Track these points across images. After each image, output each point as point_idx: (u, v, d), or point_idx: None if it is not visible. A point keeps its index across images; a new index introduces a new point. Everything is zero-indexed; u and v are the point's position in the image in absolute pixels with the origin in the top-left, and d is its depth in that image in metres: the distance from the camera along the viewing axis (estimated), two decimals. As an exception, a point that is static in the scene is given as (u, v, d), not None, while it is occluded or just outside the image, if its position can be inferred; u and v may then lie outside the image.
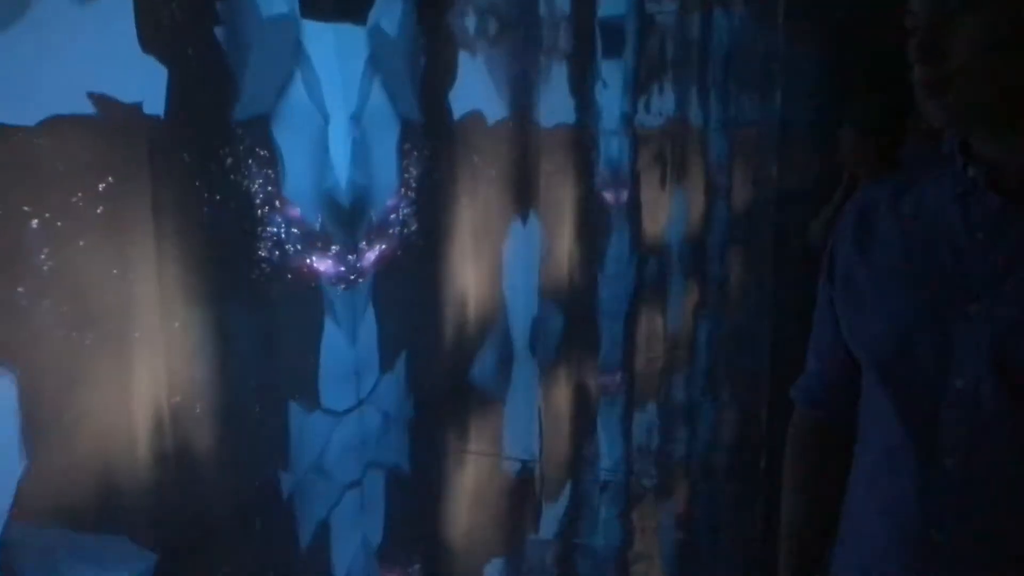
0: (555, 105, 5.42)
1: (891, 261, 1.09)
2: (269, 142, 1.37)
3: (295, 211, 1.45)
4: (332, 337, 1.63)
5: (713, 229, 8.78)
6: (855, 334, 1.14)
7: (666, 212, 7.80)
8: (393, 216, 1.91)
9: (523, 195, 4.91)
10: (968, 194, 1.03)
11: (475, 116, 3.25)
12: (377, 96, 1.77)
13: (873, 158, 2.86)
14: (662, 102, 7.29)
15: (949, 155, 1.06)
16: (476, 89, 2.80)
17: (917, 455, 1.03)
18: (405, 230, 1.98)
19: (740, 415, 5.02)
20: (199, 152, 1.24)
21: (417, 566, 2.91)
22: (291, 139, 1.43)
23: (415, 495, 2.22)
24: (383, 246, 1.86)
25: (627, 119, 6.48)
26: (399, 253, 1.91)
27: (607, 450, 4.49)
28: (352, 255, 1.69)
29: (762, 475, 3.96)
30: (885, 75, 2.14)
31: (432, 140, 2.02)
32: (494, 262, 4.98)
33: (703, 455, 4.48)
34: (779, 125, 7.13)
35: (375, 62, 1.72)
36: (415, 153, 1.96)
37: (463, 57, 2.33)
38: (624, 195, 7.04)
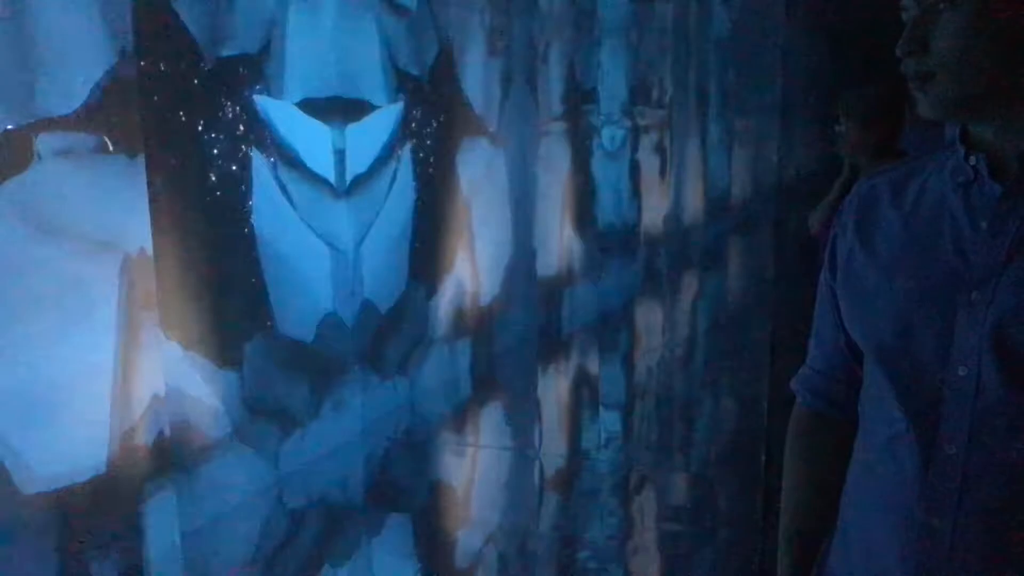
0: (554, 95, 5.43)
1: (893, 250, 1.09)
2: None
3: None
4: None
5: (713, 219, 8.73)
6: (857, 323, 1.14)
7: (666, 202, 7.77)
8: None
9: (521, 186, 4.92)
10: (970, 183, 1.03)
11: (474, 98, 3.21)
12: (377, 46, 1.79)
13: (872, 148, 2.86)
14: (662, 92, 7.25)
15: (950, 144, 1.06)
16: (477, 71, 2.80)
17: (918, 443, 1.03)
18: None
19: (740, 406, 5.02)
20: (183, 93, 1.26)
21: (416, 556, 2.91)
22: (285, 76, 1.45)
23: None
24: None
25: (627, 109, 6.47)
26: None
27: (607, 442, 4.50)
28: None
29: (762, 466, 3.96)
30: (883, 65, 2.13)
31: (435, 107, 2.04)
32: (492, 252, 4.98)
33: (703, 446, 4.48)
34: (780, 115, 7.11)
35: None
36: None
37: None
38: (624, 185, 7.02)
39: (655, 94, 7.73)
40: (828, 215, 2.97)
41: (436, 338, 4.49)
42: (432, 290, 4.47)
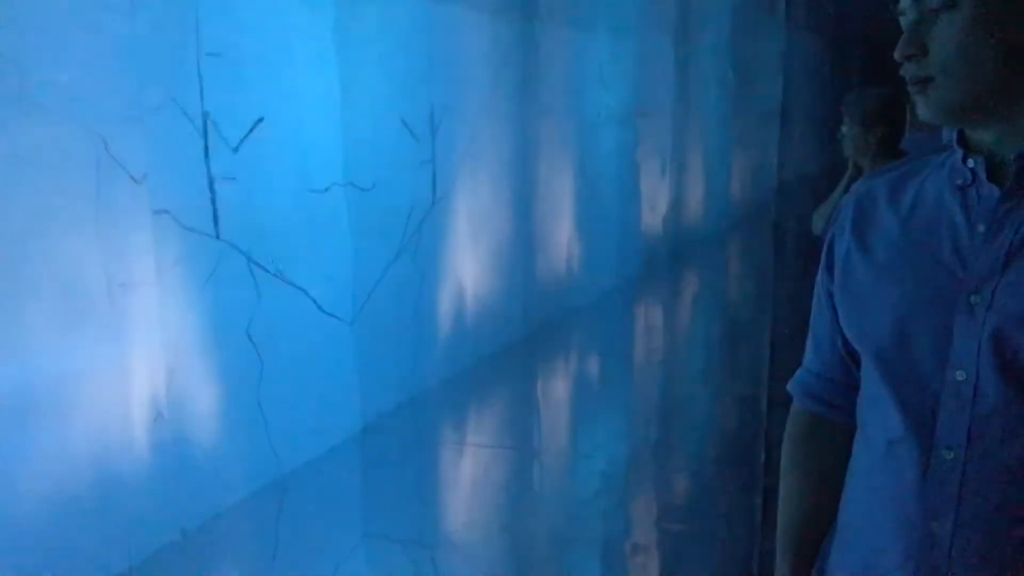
0: (556, 93, 5.43)
1: (890, 253, 1.09)
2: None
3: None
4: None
5: (713, 219, 8.73)
6: (854, 327, 1.13)
7: (666, 202, 7.77)
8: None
9: (523, 184, 4.92)
10: (968, 186, 1.02)
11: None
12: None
13: (873, 149, 2.87)
14: (663, 92, 7.24)
15: (948, 146, 1.05)
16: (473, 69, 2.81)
17: (917, 447, 1.03)
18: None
19: (739, 405, 5.02)
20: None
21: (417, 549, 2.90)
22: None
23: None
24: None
25: (628, 109, 6.46)
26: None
27: (606, 441, 4.50)
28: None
29: (761, 466, 3.96)
30: (883, 67, 2.13)
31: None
32: (493, 250, 4.99)
33: (703, 446, 4.48)
34: (780, 115, 7.10)
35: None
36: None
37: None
38: (624, 185, 7.01)
39: (656, 94, 7.75)
40: (831, 216, 2.98)
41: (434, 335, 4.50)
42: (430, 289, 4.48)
